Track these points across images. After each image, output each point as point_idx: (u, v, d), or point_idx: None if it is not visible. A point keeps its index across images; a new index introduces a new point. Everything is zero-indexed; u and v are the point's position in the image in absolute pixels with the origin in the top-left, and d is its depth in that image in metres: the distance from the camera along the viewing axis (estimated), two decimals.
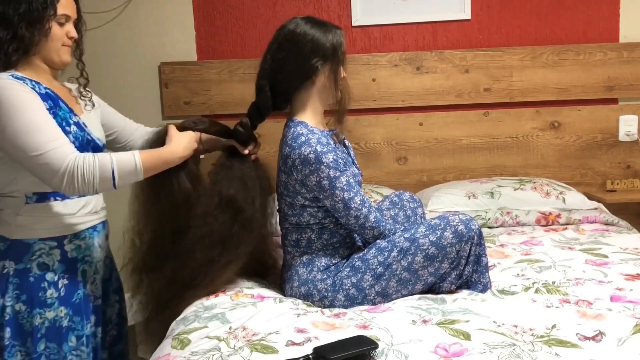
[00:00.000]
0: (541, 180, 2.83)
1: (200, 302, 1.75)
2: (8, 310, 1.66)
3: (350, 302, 1.76)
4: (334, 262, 1.82)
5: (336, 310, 1.72)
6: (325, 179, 1.72)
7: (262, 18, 3.05)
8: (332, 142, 1.80)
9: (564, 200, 2.68)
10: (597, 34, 3.02)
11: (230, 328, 1.56)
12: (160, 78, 3.08)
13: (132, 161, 1.60)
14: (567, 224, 2.55)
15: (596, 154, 3.04)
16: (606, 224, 2.55)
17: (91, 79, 1.84)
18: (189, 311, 1.70)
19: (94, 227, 1.81)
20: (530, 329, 1.48)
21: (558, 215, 2.58)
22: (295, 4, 3.04)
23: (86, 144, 1.72)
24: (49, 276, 1.69)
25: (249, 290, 1.84)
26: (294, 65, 1.78)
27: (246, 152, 1.85)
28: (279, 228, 1.95)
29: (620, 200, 2.86)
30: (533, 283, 1.82)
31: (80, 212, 1.74)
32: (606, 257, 2.05)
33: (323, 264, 1.81)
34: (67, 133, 1.65)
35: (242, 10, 3.05)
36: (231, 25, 3.07)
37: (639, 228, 2.59)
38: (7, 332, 1.66)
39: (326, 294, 1.77)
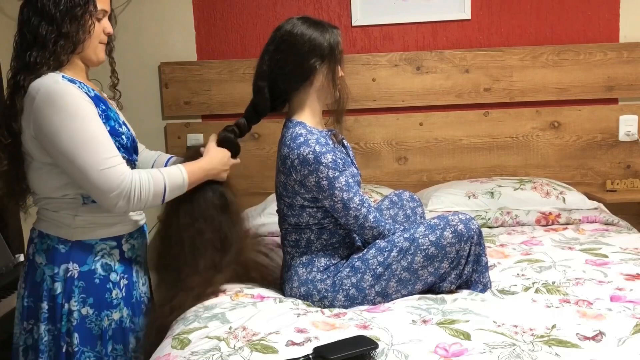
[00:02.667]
0: (541, 180, 2.83)
1: (200, 302, 1.74)
2: (75, 315, 1.61)
3: (350, 302, 1.76)
4: (333, 262, 1.82)
5: (336, 310, 1.72)
6: (324, 179, 1.72)
7: (262, 18, 3.05)
8: (330, 142, 1.80)
9: (564, 200, 2.68)
10: (597, 34, 3.02)
11: (230, 328, 1.56)
12: (160, 78, 3.08)
13: (180, 176, 1.64)
14: (567, 224, 2.55)
15: (596, 154, 3.04)
16: (606, 224, 2.55)
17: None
18: (189, 311, 1.70)
19: (142, 227, 1.81)
20: (530, 329, 1.48)
21: (558, 215, 2.58)
22: (295, 4, 3.04)
23: (132, 142, 1.72)
24: (113, 277, 1.67)
25: (249, 290, 1.84)
26: (292, 65, 1.78)
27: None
28: (278, 228, 1.95)
29: (620, 200, 2.86)
30: (533, 283, 1.82)
31: (134, 212, 1.74)
32: (606, 257, 2.05)
33: (322, 264, 1.81)
34: (120, 134, 1.64)
35: (242, 10, 3.05)
36: (231, 25, 3.07)
37: (639, 228, 2.59)
38: (76, 337, 1.61)
39: (326, 294, 1.77)
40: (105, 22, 1.65)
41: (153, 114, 3.11)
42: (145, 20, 3.06)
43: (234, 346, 1.45)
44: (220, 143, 1.83)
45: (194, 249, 1.74)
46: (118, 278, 1.68)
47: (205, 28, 3.08)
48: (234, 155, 1.86)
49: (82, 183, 1.54)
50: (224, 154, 1.80)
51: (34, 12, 1.55)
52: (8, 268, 2.38)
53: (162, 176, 1.60)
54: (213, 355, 1.41)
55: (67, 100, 1.50)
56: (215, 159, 1.76)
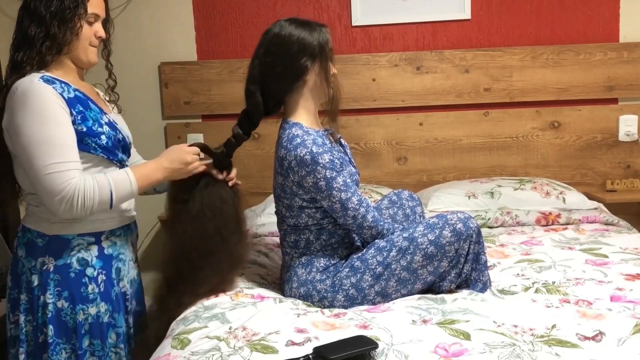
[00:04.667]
0: (541, 180, 2.83)
1: (200, 302, 1.75)
2: (50, 307, 1.65)
3: (350, 302, 1.76)
4: (333, 262, 1.82)
5: (336, 310, 1.72)
6: (322, 179, 1.72)
7: (262, 18, 3.05)
8: (327, 142, 1.80)
9: (564, 200, 2.68)
10: (597, 34, 3.02)
11: (230, 328, 1.56)
12: (160, 78, 3.08)
13: (127, 180, 1.63)
14: (567, 224, 2.55)
15: (596, 154, 3.04)
16: (606, 224, 2.55)
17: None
18: (189, 311, 1.70)
19: (127, 226, 1.81)
20: (530, 329, 1.48)
21: (558, 215, 2.58)
22: (295, 4, 3.04)
23: (117, 143, 1.72)
24: (89, 271, 1.69)
25: (249, 290, 1.84)
26: (283, 67, 1.78)
27: (220, 177, 1.83)
28: (277, 229, 1.95)
29: (620, 200, 2.86)
30: (533, 283, 1.82)
31: (116, 209, 1.73)
32: (606, 257, 2.05)
33: (322, 264, 1.81)
34: (99, 134, 1.65)
35: (242, 10, 3.05)
36: (231, 25, 3.07)
37: (639, 228, 2.59)
38: (50, 329, 1.65)
39: (325, 294, 1.77)
40: (98, 26, 1.69)
41: (153, 114, 3.11)
42: (145, 20, 3.06)
43: (234, 346, 1.45)
44: (215, 160, 1.84)
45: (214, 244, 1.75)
46: (95, 273, 1.70)
47: (205, 28, 3.08)
48: (227, 169, 1.86)
49: (32, 183, 1.58)
50: (177, 152, 1.75)
51: (27, 14, 1.62)
52: (8, 268, 2.37)
53: (109, 182, 1.60)
54: (213, 355, 1.41)
55: (35, 100, 1.54)
56: (165, 157, 1.73)
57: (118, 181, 1.62)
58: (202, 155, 1.81)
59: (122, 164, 1.76)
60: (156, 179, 1.70)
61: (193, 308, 1.72)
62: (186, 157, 1.74)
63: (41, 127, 1.53)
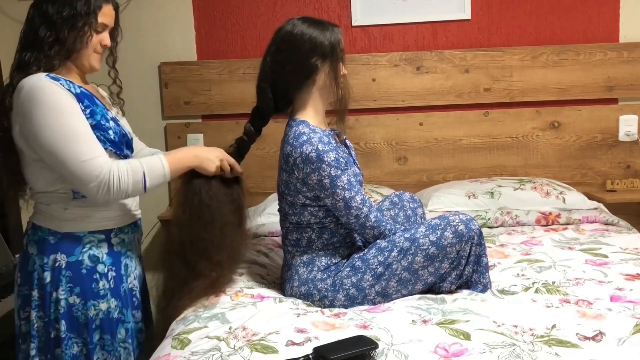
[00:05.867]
0: (541, 180, 2.83)
1: (200, 302, 1.75)
2: (62, 303, 1.67)
3: (350, 302, 1.76)
4: (334, 261, 1.82)
5: (336, 310, 1.72)
6: (327, 177, 1.72)
7: (262, 18, 3.05)
8: (333, 142, 1.80)
9: (564, 200, 2.68)
10: (597, 34, 3.02)
11: (230, 328, 1.56)
12: (160, 78, 3.08)
13: (160, 165, 1.67)
14: (567, 224, 2.55)
15: (596, 154, 3.04)
16: (606, 224, 2.55)
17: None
18: (189, 311, 1.71)
19: (134, 223, 1.83)
20: (530, 329, 1.48)
21: (558, 215, 2.58)
22: (295, 4, 3.04)
23: (122, 138, 1.74)
24: (100, 268, 1.71)
25: (249, 290, 1.84)
26: (294, 65, 1.78)
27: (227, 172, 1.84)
28: (278, 228, 1.95)
29: (620, 200, 2.86)
30: (533, 283, 1.82)
31: (124, 207, 1.77)
32: (606, 257, 2.05)
33: (323, 263, 1.81)
34: (107, 129, 1.67)
35: (242, 10, 3.05)
36: (231, 25, 3.07)
37: (639, 228, 2.59)
38: (63, 324, 1.67)
39: (326, 293, 1.77)
40: (105, 34, 1.71)
41: (153, 114, 3.11)
42: (145, 20, 3.06)
43: (234, 346, 1.45)
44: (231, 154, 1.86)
45: (222, 236, 1.76)
46: (106, 270, 1.72)
47: (205, 28, 3.08)
48: (242, 156, 1.88)
49: (64, 175, 1.61)
50: (212, 148, 1.81)
51: (38, 15, 1.64)
52: (8, 268, 2.38)
53: (141, 166, 1.64)
54: (213, 355, 1.41)
55: (47, 96, 1.56)
56: (197, 147, 1.78)
57: (150, 164, 1.66)
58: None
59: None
60: (187, 164, 1.74)
61: (193, 308, 1.72)
62: (221, 153, 1.79)
63: (59, 120, 1.56)
